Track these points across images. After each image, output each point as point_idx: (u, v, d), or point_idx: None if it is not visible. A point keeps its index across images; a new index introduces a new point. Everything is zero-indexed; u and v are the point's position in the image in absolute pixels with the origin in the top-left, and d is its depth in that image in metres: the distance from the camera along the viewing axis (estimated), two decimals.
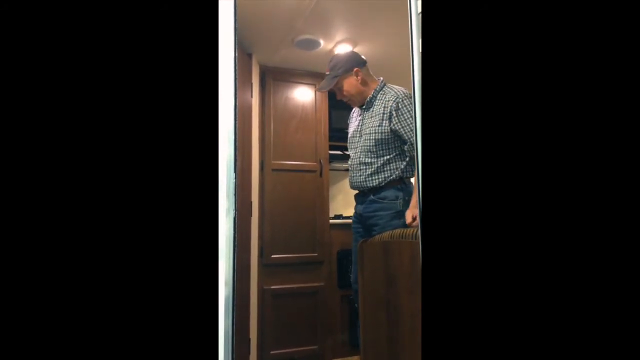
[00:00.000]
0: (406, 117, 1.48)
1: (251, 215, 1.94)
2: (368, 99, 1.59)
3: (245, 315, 1.82)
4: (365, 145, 1.56)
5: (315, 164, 2.19)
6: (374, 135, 1.53)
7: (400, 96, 1.51)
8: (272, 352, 1.97)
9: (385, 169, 1.52)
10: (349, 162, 1.65)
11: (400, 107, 1.49)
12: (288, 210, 2.11)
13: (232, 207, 1.29)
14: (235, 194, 1.06)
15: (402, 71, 1.15)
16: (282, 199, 2.11)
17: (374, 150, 1.53)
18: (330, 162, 2.28)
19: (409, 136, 1.48)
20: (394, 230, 1.35)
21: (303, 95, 2.23)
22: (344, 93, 1.62)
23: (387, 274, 1.36)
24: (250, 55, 1.95)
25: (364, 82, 1.59)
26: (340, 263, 2.19)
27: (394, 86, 1.58)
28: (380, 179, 1.53)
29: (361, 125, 1.60)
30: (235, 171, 1.18)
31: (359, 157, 1.57)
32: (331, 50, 2.03)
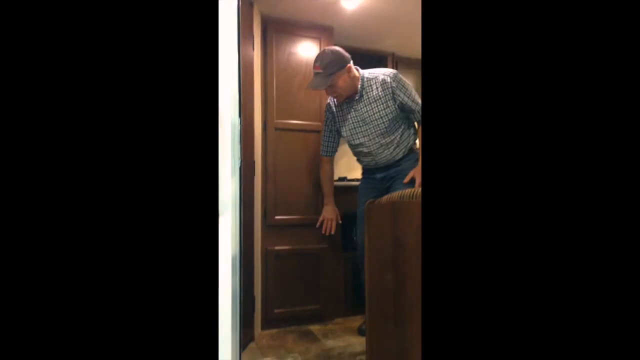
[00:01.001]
0: (407, 88, 1.69)
1: (254, 175, 1.89)
2: (359, 89, 1.72)
3: (250, 275, 1.82)
4: (378, 129, 1.72)
5: (319, 124, 2.11)
6: (385, 117, 1.70)
7: (391, 75, 1.68)
8: (276, 311, 1.99)
9: (402, 139, 1.76)
10: (361, 149, 1.80)
11: (397, 83, 1.67)
12: (291, 171, 2.06)
13: (237, 166, 1.24)
14: (240, 155, 1.00)
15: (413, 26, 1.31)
16: (286, 159, 2.05)
17: (389, 129, 1.72)
18: None
19: (417, 103, 1.73)
20: (404, 191, 1.31)
21: (307, 50, 2.12)
22: (338, 90, 1.70)
23: (395, 236, 1.33)
24: (251, 4, 1.82)
25: (354, 76, 1.71)
26: (344, 225, 2.16)
27: (373, 70, 1.73)
28: (403, 150, 1.77)
29: (360, 115, 1.74)
30: (240, 131, 1.12)
31: (377, 141, 1.74)
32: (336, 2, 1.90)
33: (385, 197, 1.42)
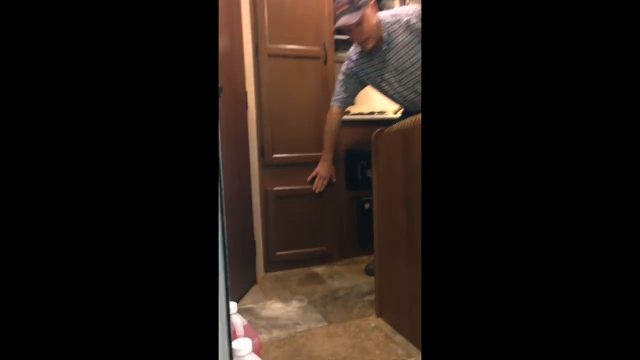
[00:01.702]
0: None
1: (247, 109, 1.70)
2: (385, 38, 1.51)
3: (248, 217, 1.70)
4: (414, 77, 1.54)
5: (318, 49, 1.88)
6: (419, 62, 1.50)
7: (415, 14, 1.48)
8: (278, 254, 1.90)
9: None
10: (398, 99, 1.65)
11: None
12: (289, 104, 1.86)
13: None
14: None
15: None
16: (282, 90, 1.84)
17: None
18: (335, 49, 1.96)
19: None
20: (417, 116, 1.13)
21: None
22: (365, 31, 1.47)
23: (406, 168, 1.17)
24: None
25: (378, 19, 1.50)
26: (348, 163, 2.01)
27: (394, 12, 1.53)
28: None
29: (392, 65, 1.54)
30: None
31: (416, 88, 1.57)
32: None
33: (396, 125, 1.24)
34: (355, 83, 1.69)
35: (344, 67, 1.69)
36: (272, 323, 1.39)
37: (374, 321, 1.38)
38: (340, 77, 1.70)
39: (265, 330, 1.33)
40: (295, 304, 1.54)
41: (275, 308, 1.51)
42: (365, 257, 2.08)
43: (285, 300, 1.59)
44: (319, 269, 1.94)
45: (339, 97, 1.72)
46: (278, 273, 1.90)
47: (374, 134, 1.36)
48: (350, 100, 1.74)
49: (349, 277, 1.82)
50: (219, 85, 1.31)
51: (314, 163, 1.92)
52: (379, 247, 1.40)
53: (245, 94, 1.67)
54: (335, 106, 1.74)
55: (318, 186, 1.90)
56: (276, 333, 1.31)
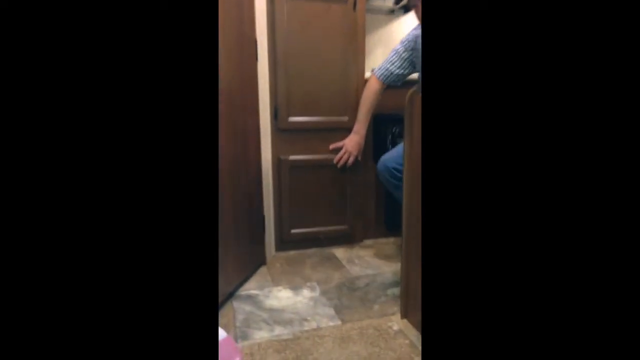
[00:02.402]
0: None
1: (257, 61, 1.43)
2: None
3: (256, 189, 1.47)
4: None
5: None
6: None
7: None
8: (293, 231, 1.68)
9: None
10: None
11: None
12: (309, 57, 1.57)
13: None
14: None
15: None
16: (301, 40, 1.55)
17: None
18: None
19: None
20: None
21: None
22: None
23: None
24: None
25: None
26: (376, 130, 1.71)
27: None
28: None
29: None
30: None
31: None
32: None
33: None
34: (408, 62, 1.45)
35: (405, 37, 1.45)
36: (276, 316, 1.17)
37: (397, 323, 1.14)
38: (397, 46, 1.47)
39: (266, 326, 1.12)
40: (305, 294, 1.32)
41: (282, 297, 1.30)
42: (392, 240, 1.82)
43: (295, 287, 1.37)
44: (338, 251, 1.71)
45: (385, 68, 1.49)
46: (291, 253, 1.68)
47: (408, 94, 1.06)
48: (396, 79, 1.50)
49: (372, 263, 1.58)
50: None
51: (336, 129, 1.64)
52: (407, 230, 1.14)
53: (254, 42, 1.40)
54: (377, 76, 1.51)
55: (342, 160, 1.63)
56: (278, 330, 1.10)
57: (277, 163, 1.61)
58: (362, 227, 1.79)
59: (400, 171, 1.42)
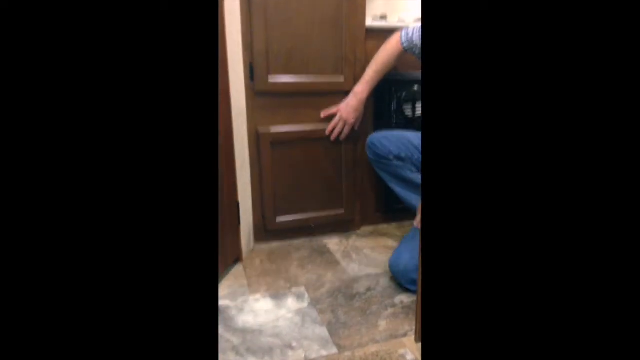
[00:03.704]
0: None
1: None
2: None
3: (227, 172, 1.15)
4: None
5: None
6: None
7: None
8: (279, 220, 1.38)
9: None
10: None
11: None
12: (295, 1, 1.21)
13: None
14: None
15: None
16: None
17: None
18: None
19: None
20: None
21: None
22: None
23: None
24: None
25: None
26: (378, 94, 1.38)
27: None
28: None
29: None
30: None
31: None
32: None
33: None
34: None
35: None
36: (251, 342, 0.89)
37: (411, 349, 0.86)
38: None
39: (235, 358, 0.84)
40: (290, 304, 1.04)
41: (261, 310, 1.01)
42: (394, 225, 1.53)
43: (277, 295, 1.08)
44: (331, 242, 1.42)
45: (411, 40, 1.21)
46: (274, 245, 1.39)
47: None
48: (418, 53, 1.22)
49: (373, 258, 1.29)
50: None
51: (329, 93, 1.31)
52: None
53: None
54: (401, 39, 1.22)
55: (335, 131, 1.31)
56: None
57: (255, 137, 1.29)
58: (360, 212, 1.50)
59: (377, 147, 1.27)
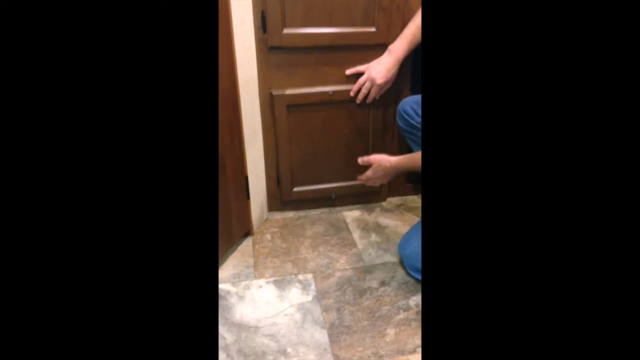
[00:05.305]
0: None
1: None
2: None
3: (233, 141, 1.02)
4: None
5: None
6: None
7: None
8: (295, 190, 1.27)
9: None
10: None
11: None
12: None
13: None
14: None
15: None
16: None
17: None
18: None
19: None
20: None
21: None
22: None
23: None
24: None
25: None
26: (414, 54, 1.14)
27: None
28: None
29: None
30: None
31: None
32: None
33: None
34: None
35: None
36: (242, 342, 0.83)
37: None
38: None
39: None
40: (294, 296, 0.96)
41: (262, 300, 0.95)
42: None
43: (282, 282, 1.01)
44: (351, 215, 1.30)
45: None
46: (289, 215, 1.29)
47: None
48: None
49: (394, 240, 1.17)
50: None
51: (357, 47, 1.10)
52: None
53: None
54: None
55: (361, 93, 1.11)
56: None
57: (269, 100, 1.13)
58: (387, 183, 1.35)
59: (410, 116, 1.10)
